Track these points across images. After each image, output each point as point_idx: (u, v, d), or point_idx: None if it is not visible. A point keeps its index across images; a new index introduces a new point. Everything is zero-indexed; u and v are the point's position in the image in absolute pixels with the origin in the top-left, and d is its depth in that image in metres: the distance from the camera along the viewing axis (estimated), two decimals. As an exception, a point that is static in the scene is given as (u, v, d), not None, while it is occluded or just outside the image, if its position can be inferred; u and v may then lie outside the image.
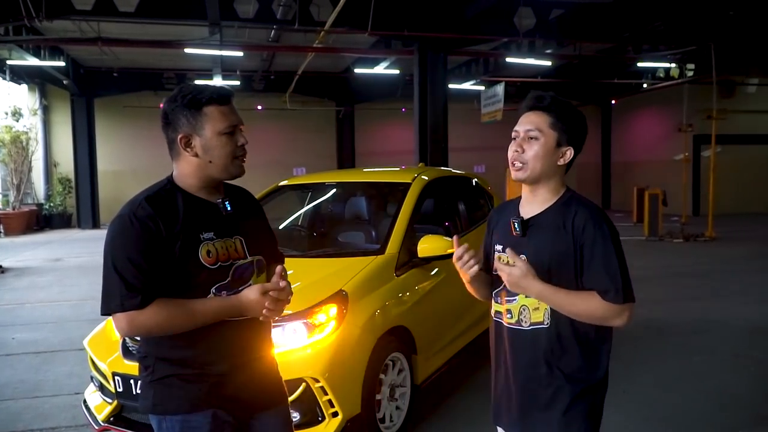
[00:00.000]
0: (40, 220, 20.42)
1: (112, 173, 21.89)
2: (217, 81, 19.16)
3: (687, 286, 9.54)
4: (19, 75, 19.09)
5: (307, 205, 6.27)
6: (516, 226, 2.19)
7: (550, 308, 2.13)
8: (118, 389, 3.70)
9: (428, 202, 5.77)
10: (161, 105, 2.25)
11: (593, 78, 21.20)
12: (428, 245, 4.52)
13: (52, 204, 20.90)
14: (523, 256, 2.11)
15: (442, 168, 8.49)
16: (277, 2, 12.68)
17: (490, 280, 2.36)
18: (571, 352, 2.15)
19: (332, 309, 3.81)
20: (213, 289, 2.13)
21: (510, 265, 2.06)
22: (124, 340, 3.80)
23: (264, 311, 2.11)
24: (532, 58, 16.27)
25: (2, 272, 11.76)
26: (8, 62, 16.88)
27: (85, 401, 4.20)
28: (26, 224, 19.35)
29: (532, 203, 2.24)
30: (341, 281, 4.03)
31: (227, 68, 19.17)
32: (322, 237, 5.73)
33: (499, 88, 14.72)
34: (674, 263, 11.78)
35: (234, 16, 12.96)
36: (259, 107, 21.96)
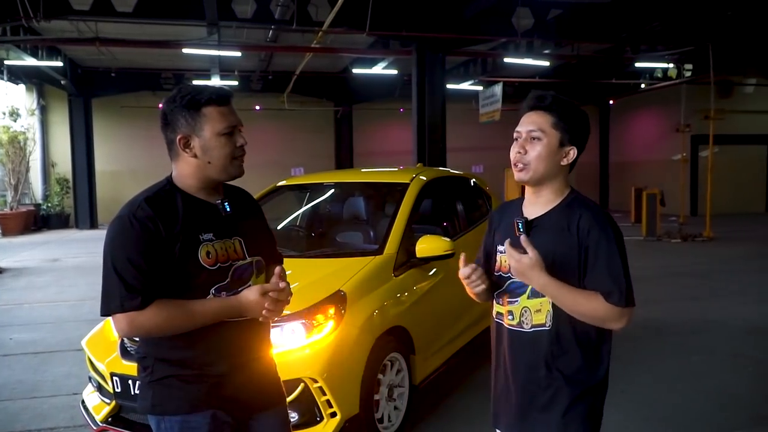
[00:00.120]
0: (37, 221, 20.40)
1: (110, 173, 21.88)
2: (215, 81, 19.15)
3: (685, 286, 9.55)
4: (16, 75, 19.07)
5: (306, 205, 6.26)
6: (520, 226, 2.16)
7: (552, 310, 2.11)
8: (117, 390, 3.69)
9: (426, 203, 5.77)
10: (159, 105, 2.25)
11: (591, 78, 21.23)
12: (426, 245, 4.52)
13: (49, 204, 20.88)
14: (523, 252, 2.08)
15: (441, 168, 8.50)
16: (275, 2, 12.68)
17: (490, 283, 2.33)
18: (571, 353, 2.13)
19: (330, 309, 3.81)
20: (212, 290, 2.13)
21: (518, 254, 2.05)
22: (122, 341, 3.79)
23: (263, 312, 2.11)
24: (530, 58, 16.29)
25: (0, 273, 11.74)
26: (6, 62, 16.84)
27: (83, 402, 4.19)
28: (24, 224, 19.33)
29: (536, 204, 2.22)
30: (340, 281, 4.03)
31: (225, 68, 19.17)
32: (320, 237, 5.73)
33: (497, 89, 14.73)
34: (672, 263, 11.80)
35: (232, 16, 12.96)
36: (257, 107, 21.96)
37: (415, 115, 13.52)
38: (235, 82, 20.03)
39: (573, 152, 2.17)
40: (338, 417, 3.57)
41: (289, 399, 3.22)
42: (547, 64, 17.56)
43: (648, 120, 24.39)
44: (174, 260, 2.06)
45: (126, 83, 20.59)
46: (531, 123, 2.15)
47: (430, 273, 4.78)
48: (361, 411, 3.74)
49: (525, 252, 2.05)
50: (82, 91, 20.28)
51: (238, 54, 16.33)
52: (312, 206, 6.25)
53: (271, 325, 2.39)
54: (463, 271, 2.18)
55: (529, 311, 2.17)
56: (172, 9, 12.70)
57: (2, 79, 18.36)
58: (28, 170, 20.13)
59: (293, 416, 3.44)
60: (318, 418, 3.56)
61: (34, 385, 5.56)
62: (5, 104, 19.40)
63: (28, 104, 20.64)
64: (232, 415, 2.20)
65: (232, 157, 2.16)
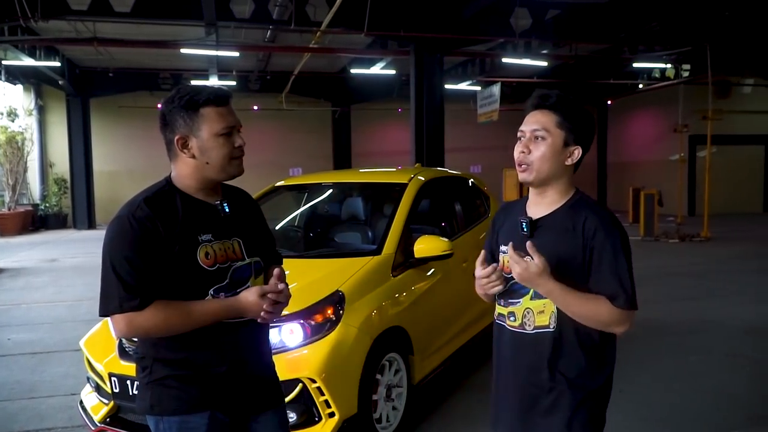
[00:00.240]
0: (35, 221, 20.38)
1: (108, 173, 21.86)
2: (213, 81, 19.14)
3: (683, 286, 9.56)
4: (14, 75, 19.03)
5: (304, 205, 6.27)
6: (524, 226, 2.13)
7: (557, 312, 2.08)
8: (115, 390, 3.69)
9: (425, 203, 5.77)
10: (158, 105, 2.25)
11: (589, 78, 21.23)
12: (425, 246, 4.52)
13: (47, 204, 20.85)
14: (528, 258, 2.03)
15: (439, 168, 8.50)
16: (273, 2, 12.67)
17: None
18: (575, 356, 2.10)
19: (329, 310, 3.81)
20: (211, 291, 2.13)
21: (525, 260, 2.01)
22: (120, 341, 3.79)
23: (262, 313, 2.11)
24: (528, 58, 16.29)
25: (-2, 273, 11.74)
26: (3, 62, 16.81)
27: (81, 402, 4.19)
28: (22, 225, 19.31)
29: (540, 204, 2.19)
30: (338, 282, 4.03)
31: (223, 68, 19.15)
32: (318, 237, 5.73)
33: (496, 89, 14.74)
34: (670, 263, 11.81)
35: (230, 17, 12.95)
36: (255, 107, 21.94)
37: (413, 116, 13.51)
38: (233, 82, 20.02)
39: (578, 152, 2.14)
40: (336, 417, 3.57)
41: (287, 399, 3.24)
42: (545, 64, 17.57)
43: (646, 120, 24.41)
44: (173, 261, 2.06)
45: (124, 83, 20.54)
46: (535, 122, 2.13)
47: (429, 273, 4.78)
48: (359, 411, 3.74)
49: (526, 255, 2.02)
50: (79, 91, 20.26)
51: (236, 54, 16.33)
52: (310, 206, 6.25)
53: (270, 325, 2.39)
54: (484, 271, 2.13)
55: (532, 313, 2.13)
56: (170, 9, 12.69)
57: (0, 79, 18.33)
58: (26, 170, 20.11)
59: (291, 416, 3.44)
60: (316, 419, 3.56)
61: (32, 385, 5.56)
62: (3, 104, 19.38)
63: (25, 104, 20.60)
64: (230, 416, 2.20)
65: (230, 157, 2.16)
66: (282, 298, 2.14)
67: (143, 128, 20.53)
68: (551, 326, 2.10)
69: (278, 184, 5.96)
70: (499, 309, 2.27)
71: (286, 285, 2.16)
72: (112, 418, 3.82)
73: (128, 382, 3.61)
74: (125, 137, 22.10)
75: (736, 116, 20.78)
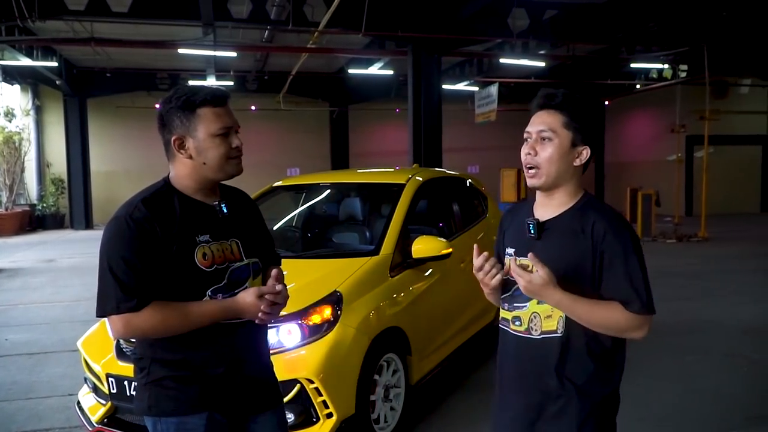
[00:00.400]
0: (32, 221, 20.34)
1: (105, 174, 21.84)
2: (211, 81, 19.13)
3: (680, 286, 9.56)
4: (11, 75, 18.99)
5: (302, 205, 6.26)
6: (531, 228, 2.07)
7: (565, 316, 2.01)
8: (112, 391, 3.69)
9: (422, 203, 5.77)
10: (156, 105, 2.24)
11: (586, 79, 21.24)
12: (422, 246, 4.52)
13: (44, 204, 20.82)
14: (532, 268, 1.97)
15: (437, 169, 8.51)
16: (271, 2, 12.66)
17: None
18: (584, 362, 2.03)
19: (327, 310, 3.81)
20: (209, 292, 2.13)
21: (529, 272, 1.95)
22: (117, 342, 3.79)
23: (260, 314, 2.11)
24: (525, 58, 16.30)
25: (-5, 273, 11.72)
26: (1, 63, 16.75)
27: (78, 403, 4.18)
28: (19, 225, 19.28)
29: (548, 206, 2.11)
30: (336, 282, 4.03)
31: (221, 68, 19.13)
32: (316, 238, 5.72)
33: (493, 89, 14.75)
34: (667, 263, 11.81)
35: (227, 17, 12.95)
36: (253, 108, 21.92)
37: (410, 116, 13.52)
38: (231, 83, 20.02)
39: (586, 152, 2.08)
40: (334, 418, 3.56)
41: (285, 400, 3.23)
42: (542, 64, 17.58)
43: (643, 120, 24.43)
44: (170, 262, 2.06)
45: (121, 83, 20.54)
46: (541, 123, 2.06)
47: (426, 273, 4.78)
48: (357, 411, 3.74)
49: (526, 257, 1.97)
50: (77, 91, 20.24)
51: (234, 54, 16.31)
52: (308, 207, 6.25)
53: (268, 325, 2.38)
54: (476, 261, 2.07)
55: (539, 317, 2.06)
56: (167, 9, 12.67)
57: (-3, 79, 18.34)
58: (23, 171, 20.09)
59: (289, 417, 3.44)
60: (314, 419, 3.56)
61: (29, 386, 5.55)
62: (0, 105, 19.36)
63: (23, 104, 20.58)
64: (228, 417, 2.20)
65: (227, 157, 2.15)
66: (280, 299, 2.13)
67: (141, 128, 20.52)
68: (559, 331, 2.03)
69: (276, 184, 5.95)
70: (503, 313, 2.20)
71: (284, 286, 2.16)
72: (109, 418, 3.82)
73: (126, 382, 3.61)
74: (123, 137, 22.07)
75: (734, 116, 20.82)
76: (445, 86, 17.01)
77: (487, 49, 16.84)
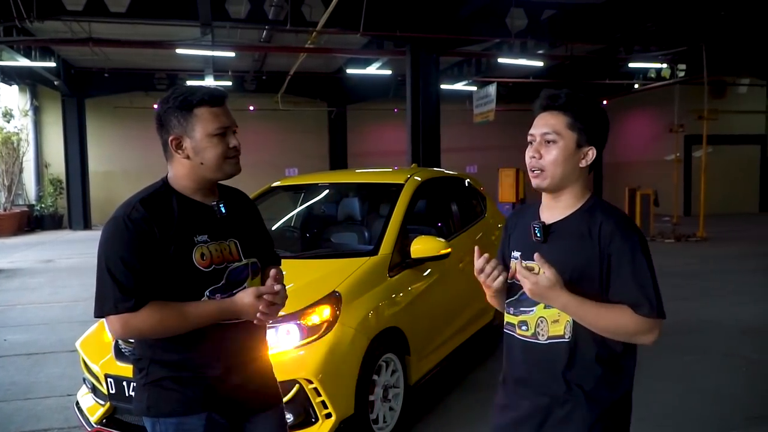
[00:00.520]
0: (31, 221, 20.32)
1: (103, 174, 21.82)
2: (209, 81, 19.12)
3: (679, 287, 9.55)
4: (9, 76, 19.00)
5: (300, 206, 6.26)
6: (536, 231, 2.04)
7: (572, 320, 1.97)
8: (111, 391, 3.68)
9: (421, 203, 5.77)
10: (154, 106, 2.24)
11: (585, 79, 21.25)
12: (421, 246, 4.52)
13: (43, 205, 20.79)
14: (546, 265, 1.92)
15: (435, 169, 8.50)
16: (269, 2, 12.65)
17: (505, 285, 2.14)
18: (592, 367, 1.98)
19: (325, 310, 3.81)
20: (207, 292, 2.12)
21: (535, 273, 1.90)
22: (116, 342, 3.78)
23: (258, 314, 2.10)
24: (524, 58, 16.28)
25: (-7, 274, 11.71)
26: (-1, 63, 16.82)
27: (77, 403, 4.18)
28: (17, 225, 19.26)
29: (554, 209, 2.07)
30: (334, 282, 4.02)
31: (219, 69, 19.13)
32: (315, 238, 5.72)
33: (492, 89, 14.75)
34: (666, 263, 11.80)
35: (225, 17, 12.94)
36: (251, 108, 21.92)
37: (409, 116, 13.51)
38: (229, 83, 20.00)
39: (592, 153, 2.03)
40: (333, 418, 3.56)
41: (284, 400, 3.22)
42: (540, 64, 17.56)
43: (641, 120, 24.44)
44: (168, 262, 2.05)
45: (119, 84, 20.52)
46: (545, 125, 2.02)
47: (425, 274, 4.78)
48: (356, 412, 3.74)
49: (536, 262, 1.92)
50: (75, 91, 20.22)
51: (232, 54, 16.29)
52: (307, 207, 6.25)
53: (267, 326, 2.38)
54: (478, 263, 2.04)
55: (546, 322, 2.02)
56: (165, 9, 12.66)
57: (-5, 80, 18.33)
58: (21, 171, 20.07)
59: (288, 417, 3.43)
60: (313, 419, 3.56)
61: (28, 386, 5.54)
62: (-2, 105, 19.38)
63: (21, 105, 20.56)
64: (227, 417, 2.19)
65: (224, 157, 2.15)
66: (278, 299, 2.13)
67: (139, 128, 20.55)
68: (566, 336, 1.99)
69: (274, 184, 5.95)
70: (509, 318, 2.15)
71: (283, 286, 2.15)
72: (108, 419, 3.81)
73: (124, 383, 3.60)
74: (121, 138, 22.06)
75: (732, 116, 20.82)
76: (443, 86, 17.01)
77: (485, 49, 16.84)
